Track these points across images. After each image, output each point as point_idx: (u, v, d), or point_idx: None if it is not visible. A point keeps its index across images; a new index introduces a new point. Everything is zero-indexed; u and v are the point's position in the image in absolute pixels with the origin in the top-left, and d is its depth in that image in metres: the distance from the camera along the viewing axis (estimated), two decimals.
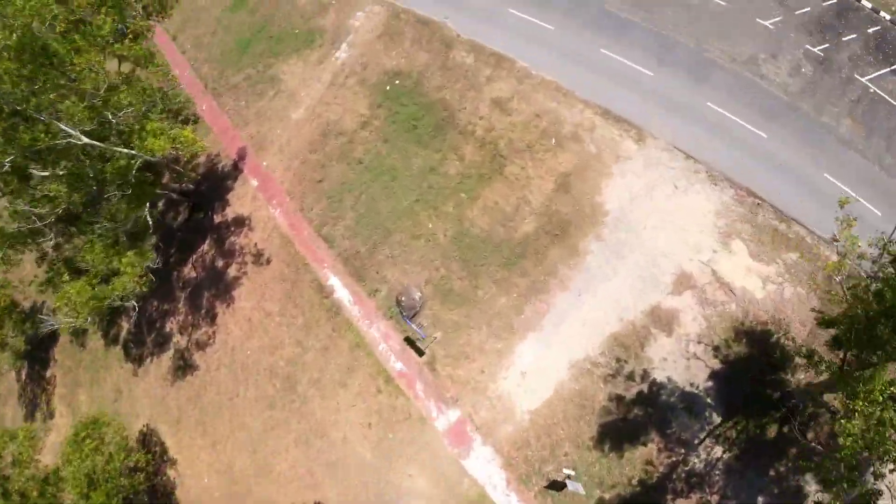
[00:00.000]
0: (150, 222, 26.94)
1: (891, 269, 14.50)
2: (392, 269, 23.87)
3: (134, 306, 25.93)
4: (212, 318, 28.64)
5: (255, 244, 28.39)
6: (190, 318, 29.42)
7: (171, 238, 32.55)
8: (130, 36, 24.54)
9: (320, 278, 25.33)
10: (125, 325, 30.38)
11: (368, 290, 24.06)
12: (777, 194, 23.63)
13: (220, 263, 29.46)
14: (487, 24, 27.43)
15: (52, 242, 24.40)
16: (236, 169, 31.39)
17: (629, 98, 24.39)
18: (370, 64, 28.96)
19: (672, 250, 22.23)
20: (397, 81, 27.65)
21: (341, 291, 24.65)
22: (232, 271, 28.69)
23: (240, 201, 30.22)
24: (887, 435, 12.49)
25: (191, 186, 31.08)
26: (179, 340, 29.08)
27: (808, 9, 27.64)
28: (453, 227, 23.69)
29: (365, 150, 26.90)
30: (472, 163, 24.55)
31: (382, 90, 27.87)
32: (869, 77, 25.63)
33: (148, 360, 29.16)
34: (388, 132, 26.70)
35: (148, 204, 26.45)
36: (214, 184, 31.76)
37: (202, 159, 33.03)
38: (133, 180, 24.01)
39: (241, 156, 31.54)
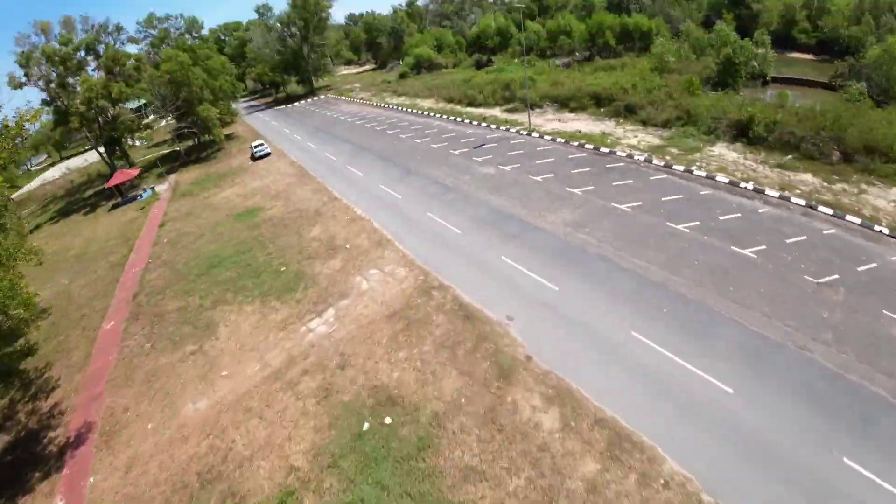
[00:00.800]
0: None
1: None
2: None
3: None
4: None
5: None
6: None
7: None
8: None
9: None
10: None
11: None
12: None
13: None
14: (594, 352, 14.28)
15: None
16: (59, 458, 15.90)
17: None
18: (354, 360, 15.49)
19: None
20: (388, 419, 13.24)
21: None
22: None
23: None
24: None
25: None
26: None
27: None
28: None
29: None
30: None
31: (354, 424, 13.32)
32: None
33: None
34: None
35: None
36: (21, 461, 15.90)
37: (44, 404, 18.64)
38: None
39: (80, 440, 16.79)
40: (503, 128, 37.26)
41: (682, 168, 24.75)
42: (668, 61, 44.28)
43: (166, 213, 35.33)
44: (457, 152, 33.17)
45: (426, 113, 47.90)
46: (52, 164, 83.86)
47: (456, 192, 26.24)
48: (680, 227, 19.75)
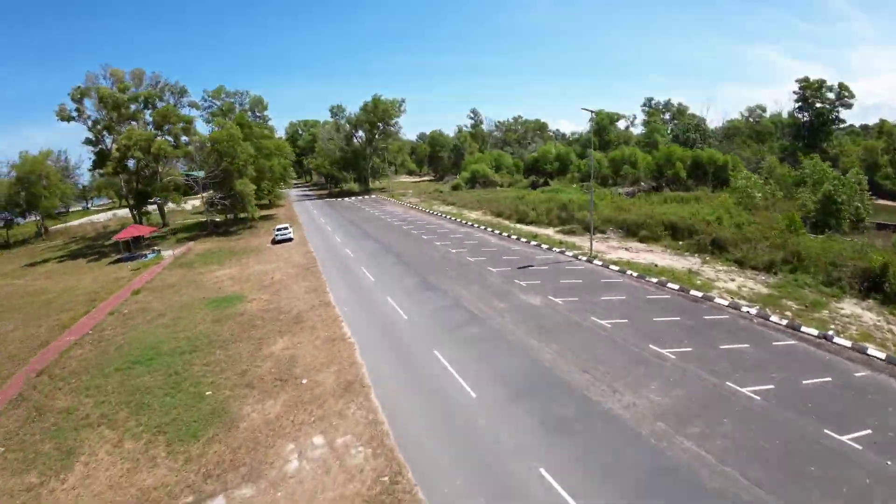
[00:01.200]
0: None
1: None
2: None
3: None
4: None
5: None
6: None
7: None
8: None
9: None
10: None
11: None
12: None
13: None
14: None
15: None
16: None
17: None
18: None
19: None
20: None
21: None
22: None
23: None
24: None
25: None
26: None
27: None
28: None
29: None
30: None
31: None
32: None
33: None
34: None
35: None
36: None
37: None
38: None
39: None
40: (557, 249, 30.95)
41: (814, 332, 16.53)
42: (753, 196, 38.48)
43: (150, 281, 30.88)
44: (496, 270, 26.65)
45: (470, 223, 43.40)
46: (109, 209, 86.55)
47: (484, 326, 18.86)
48: (846, 439, 10.98)
